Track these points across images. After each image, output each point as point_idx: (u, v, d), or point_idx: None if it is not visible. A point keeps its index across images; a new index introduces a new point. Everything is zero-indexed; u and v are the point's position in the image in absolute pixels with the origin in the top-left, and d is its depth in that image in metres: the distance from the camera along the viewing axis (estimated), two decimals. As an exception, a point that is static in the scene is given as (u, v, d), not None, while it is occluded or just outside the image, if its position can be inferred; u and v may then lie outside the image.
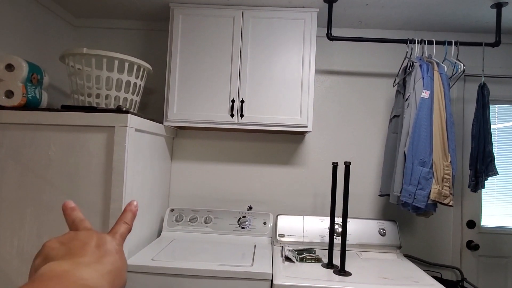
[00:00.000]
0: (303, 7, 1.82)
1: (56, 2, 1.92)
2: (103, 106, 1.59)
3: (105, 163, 1.43)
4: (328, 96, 2.11)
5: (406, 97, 1.58)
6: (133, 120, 1.47)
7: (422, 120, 1.49)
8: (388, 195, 1.84)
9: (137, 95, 1.72)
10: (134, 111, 1.70)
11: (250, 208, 2.04)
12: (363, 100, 2.09)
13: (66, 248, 0.38)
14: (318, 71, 2.11)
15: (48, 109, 1.47)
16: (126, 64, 1.60)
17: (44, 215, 1.44)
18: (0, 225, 1.45)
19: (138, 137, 1.56)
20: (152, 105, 2.14)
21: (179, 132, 2.11)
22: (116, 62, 1.57)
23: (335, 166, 1.53)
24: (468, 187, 1.73)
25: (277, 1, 1.77)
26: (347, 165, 1.43)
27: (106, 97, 1.61)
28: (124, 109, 1.46)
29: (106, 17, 2.11)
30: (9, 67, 1.48)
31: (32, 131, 1.47)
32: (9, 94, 1.48)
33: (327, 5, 1.79)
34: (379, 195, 1.89)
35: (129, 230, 0.47)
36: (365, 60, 2.10)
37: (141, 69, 1.69)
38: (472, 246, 2.01)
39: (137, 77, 1.69)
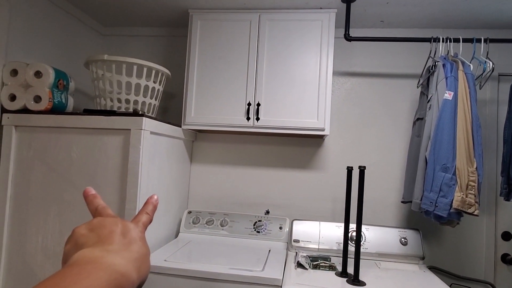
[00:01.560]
0: (321, 8, 1.78)
1: (85, 12, 2.03)
2: (123, 110, 1.66)
3: (121, 164, 1.49)
4: (348, 99, 2.05)
5: (429, 98, 1.50)
6: (148, 123, 1.51)
7: (445, 123, 1.40)
8: (411, 201, 1.74)
9: (156, 99, 1.77)
10: (153, 115, 1.76)
11: (267, 212, 2.02)
12: (385, 102, 2.01)
13: (95, 235, 0.41)
14: (337, 73, 2.06)
15: (71, 113, 1.56)
16: (145, 70, 1.66)
17: (66, 214, 1.52)
18: (27, 222, 1.54)
19: (154, 140, 1.60)
20: (172, 109, 2.19)
21: (198, 135, 2.14)
22: (135, 67, 1.63)
23: (349, 170, 1.47)
24: (500, 195, 1.60)
25: (294, 2, 1.75)
26: (362, 170, 1.38)
27: (126, 101, 1.67)
28: (140, 112, 1.50)
29: (131, 25, 2.20)
30: (38, 74, 1.58)
31: (57, 134, 1.55)
32: (37, 99, 1.58)
33: (345, 5, 1.74)
34: (402, 202, 1.80)
35: (150, 220, 0.50)
36: (387, 60, 2.02)
37: (159, 74, 1.74)
38: (508, 260, 1.85)
39: (155, 82, 1.74)
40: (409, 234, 1.67)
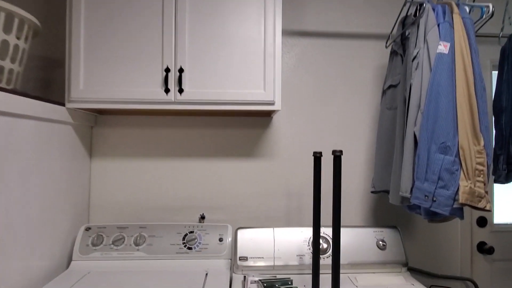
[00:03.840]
0: None
1: None
2: None
3: None
4: (299, 66, 1.60)
5: (413, 55, 1.10)
6: (-14, 97, 0.88)
7: (441, 85, 1.02)
8: (384, 191, 1.38)
9: (17, 63, 1.12)
10: (12, 86, 1.11)
11: (203, 217, 1.51)
12: (345, 69, 1.60)
13: None
14: (285, 33, 1.60)
15: None
16: (-15, 10, 1.00)
17: None
18: None
19: (9, 126, 0.98)
20: (60, 83, 1.53)
21: (99, 119, 1.52)
22: (-36, 4, 0.96)
23: (317, 157, 1.03)
24: (497, 179, 1.30)
25: None
26: (337, 156, 0.94)
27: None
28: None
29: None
30: None
31: None
32: None
33: None
34: (372, 192, 1.43)
35: None
36: (347, 17, 1.61)
37: (22, 25, 1.09)
38: (485, 249, 1.60)
39: (19, 38, 1.09)
40: (387, 234, 1.30)
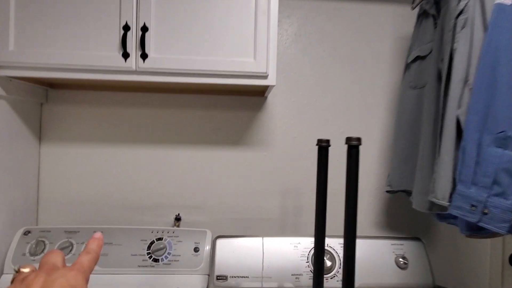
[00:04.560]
0: None
1: None
2: None
3: None
4: (301, 35, 1.29)
5: (459, 9, 0.79)
6: None
7: (500, 50, 0.72)
8: (404, 191, 1.09)
9: None
10: None
11: (178, 219, 1.23)
12: (357, 40, 1.30)
13: None
14: (286, -9, 1.28)
15: None
16: None
17: None
18: None
19: None
20: None
21: (51, 94, 1.22)
22: None
23: (323, 147, 0.74)
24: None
25: None
26: (353, 146, 0.65)
27: None
28: None
29: None
30: None
31: None
32: None
33: None
34: (388, 192, 1.15)
35: (95, 259, 0.42)
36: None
37: None
38: (519, 262, 1.32)
39: None
40: (409, 248, 1.02)
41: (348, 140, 0.69)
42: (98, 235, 0.45)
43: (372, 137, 1.30)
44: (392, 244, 1.02)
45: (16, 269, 0.39)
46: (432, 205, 0.87)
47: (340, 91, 1.29)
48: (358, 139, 0.67)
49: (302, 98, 1.29)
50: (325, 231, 0.80)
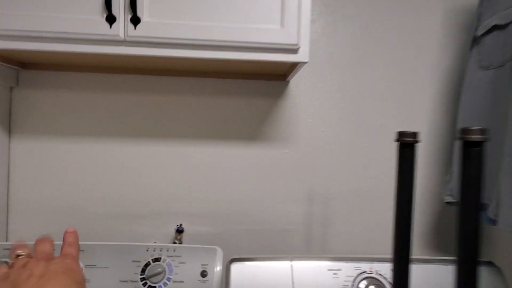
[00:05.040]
0: None
1: None
2: None
3: None
4: (332, 6, 1.04)
5: None
6: None
7: None
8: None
9: None
10: None
11: (180, 231, 0.99)
12: (401, 12, 1.05)
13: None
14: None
15: None
16: None
17: None
18: None
19: None
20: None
21: (23, 76, 0.98)
22: None
23: (407, 143, 0.51)
24: None
25: None
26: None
27: None
28: None
29: None
30: None
31: None
32: None
33: None
34: (448, 203, 0.91)
35: (76, 248, 0.49)
36: None
37: None
38: None
39: None
40: (481, 275, 0.78)
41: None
42: (71, 229, 0.50)
43: (427, 133, 1.06)
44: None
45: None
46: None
47: (379, 74, 1.05)
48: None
49: (332, 84, 1.05)
50: (408, 254, 0.56)
